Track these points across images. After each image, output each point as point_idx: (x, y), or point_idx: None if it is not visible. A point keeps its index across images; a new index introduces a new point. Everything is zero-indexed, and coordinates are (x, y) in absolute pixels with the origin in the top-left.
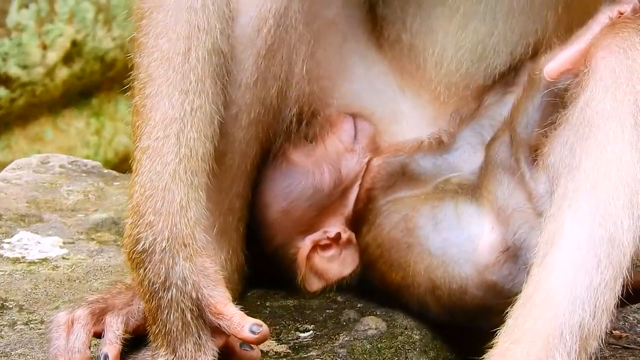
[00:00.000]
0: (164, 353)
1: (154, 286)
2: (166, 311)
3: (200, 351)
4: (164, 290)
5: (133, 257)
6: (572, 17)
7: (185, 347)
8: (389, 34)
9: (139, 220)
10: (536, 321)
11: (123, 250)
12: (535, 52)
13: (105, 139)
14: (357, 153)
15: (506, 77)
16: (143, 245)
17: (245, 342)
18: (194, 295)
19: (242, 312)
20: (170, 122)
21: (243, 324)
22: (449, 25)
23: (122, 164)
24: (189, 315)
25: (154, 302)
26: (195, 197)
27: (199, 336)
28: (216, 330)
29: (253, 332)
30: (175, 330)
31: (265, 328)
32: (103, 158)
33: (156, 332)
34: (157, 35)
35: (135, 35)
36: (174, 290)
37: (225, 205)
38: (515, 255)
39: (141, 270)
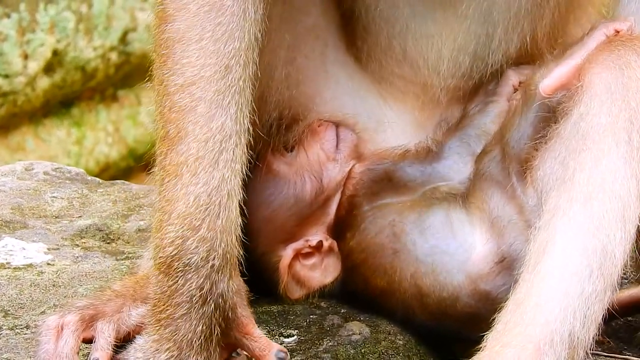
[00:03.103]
0: (166, 358)
1: (193, 298)
2: (195, 323)
3: None
4: (201, 304)
5: (174, 265)
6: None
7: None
8: (379, 42)
9: (190, 233)
10: (527, 326)
11: (157, 254)
12: (525, 51)
13: (86, 149)
14: (339, 162)
15: (488, 86)
16: (194, 259)
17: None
18: (229, 314)
19: (266, 337)
20: (228, 136)
21: (270, 349)
22: (447, 29)
23: (103, 173)
24: (216, 331)
25: (182, 311)
26: (240, 213)
27: (212, 351)
28: (224, 347)
29: (279, 358)
30: (196, 341)
31: (288, 356)
32: (84, 167)
33: (163, 337)
34: (217, 39)
35: (174, 26)
36: (212, 305)
37: None
38: (510, 267)
39: (181, 280)
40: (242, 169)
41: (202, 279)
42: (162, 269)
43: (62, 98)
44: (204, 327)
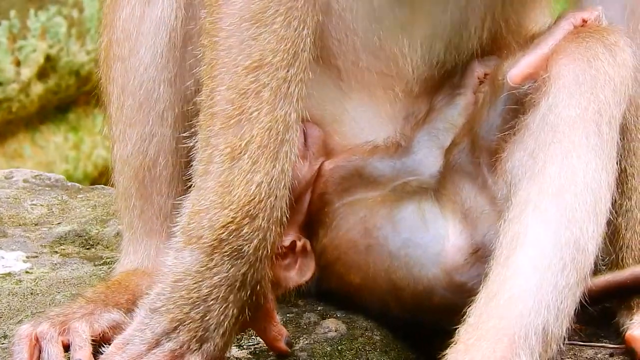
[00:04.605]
0: (185, 339)
1: (235, 282)
2: (229, 306)
3: (225, 350)
4: (239, 289)
5: (223, 248)
6: None
7: (215, 343)
8: (355, 31)
9: (247, 221)
10: (501, 320)
11: (201, 233)
12: (498, 38)
13: (84, 154)
14: (309, 159)
15: (453, 78)
16: (246, 247)
17: None
18: (261, 300)
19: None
20: (289, 126)
21: (283, 334)
22: (423, 15)
23: (101, 178)
24: (245, 316)
25: (220, 294)
26: None
27: (232, 335)
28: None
29: (288, 345)
30: (225, 323)
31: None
32: (82, 172)
33: (189, 316)
34: (288, 24)
35: (244, 3)
36: (249, 291)
37: (169, 208)
38: (484, 256)
39: (227, 265)
40: (296, 159)
41: (247, 266)
42: (205, 250)
43: (57, 103)
44: (236, 312)
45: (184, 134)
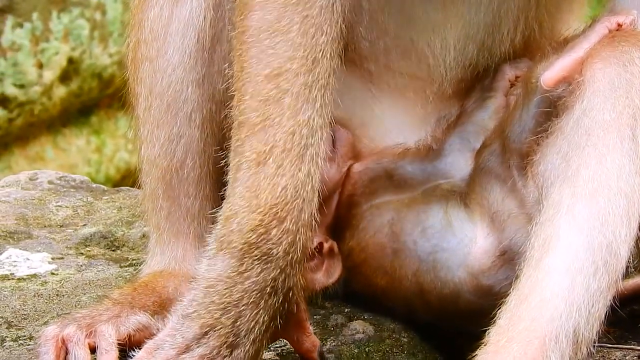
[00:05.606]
0: (216, 344)
1: (266, 288)
2: (260, 312)
3: (256, 358)
4: (271, 295)
5: (253, 252)
6: None
7: (246, 349)
8: (387, 31)
9: (275, 223)
10: (533, 322)
11: (231, 238)
12: (530, 42)
13: (106, 157)
14: (337, 162)
15: (484, 81)
16: (275, 250)
17: None
18: (293, 308)
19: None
20: (314, 130)
21: (316, 344)
22: (456, 16)
23: (124, 181)
24: (277, 323)
25: (251, 299)
26: None
27: (264, 344)
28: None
29: (321, 356)
30: (256, 330)
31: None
32: (105, 175)
33: (220, 321)
34: (305, 32)
35: (261, 15)
36: (281, 298)
37: (196, 210)
38: (511, 259)
39: (257, 269)
40: (324, 163)
41: (277, 271)
42: (236, 254)
43: (80, 106)
44: (267, 318)
45: (217, 149)
